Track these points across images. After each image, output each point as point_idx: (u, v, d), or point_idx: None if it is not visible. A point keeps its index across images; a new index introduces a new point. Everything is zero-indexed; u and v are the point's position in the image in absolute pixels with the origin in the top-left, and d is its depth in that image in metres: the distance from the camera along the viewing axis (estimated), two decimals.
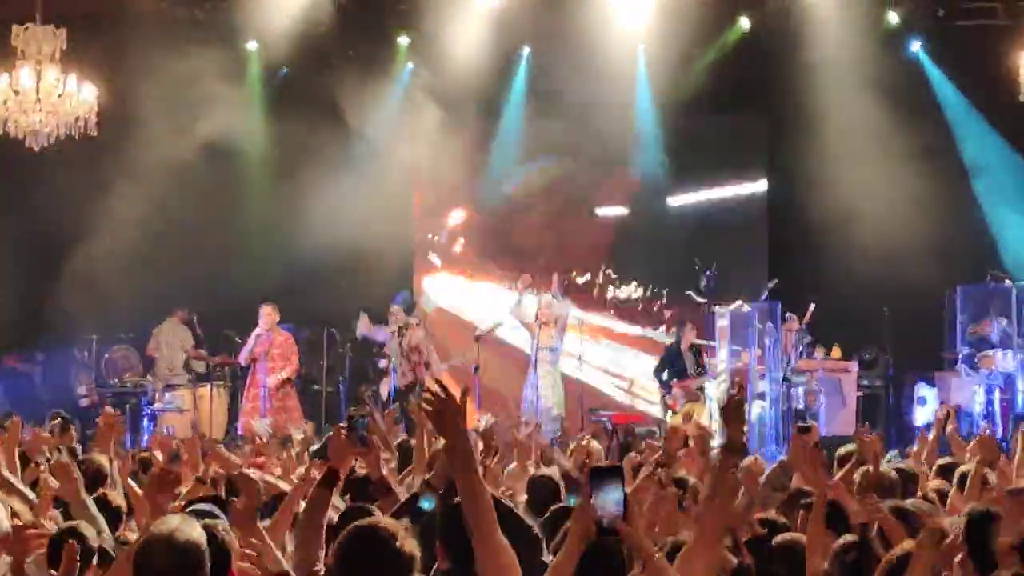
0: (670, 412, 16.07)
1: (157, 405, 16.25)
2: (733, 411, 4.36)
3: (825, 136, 17.00)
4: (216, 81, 16.63)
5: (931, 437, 9.61)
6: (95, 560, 5.17)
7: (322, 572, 4.88)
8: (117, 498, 7.00)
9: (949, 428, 9.95)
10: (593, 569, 3.82)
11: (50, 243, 17.11)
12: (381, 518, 4.03)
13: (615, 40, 17.11)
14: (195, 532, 3.93)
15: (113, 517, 6.63)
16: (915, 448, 9.69)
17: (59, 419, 15.36)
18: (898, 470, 7.61)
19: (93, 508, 6.25)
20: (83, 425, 15.45)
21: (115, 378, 17.09)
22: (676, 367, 16.28)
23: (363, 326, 16.51)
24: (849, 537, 5.53)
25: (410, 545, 3.73)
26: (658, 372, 16.54)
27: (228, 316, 16.81)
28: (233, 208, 17.16)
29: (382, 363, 16.54)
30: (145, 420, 16.27)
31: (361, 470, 6.69)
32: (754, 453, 12.00)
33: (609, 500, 3.65)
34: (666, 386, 16.29)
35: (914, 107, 17.06)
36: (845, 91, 16.98)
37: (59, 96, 13.67)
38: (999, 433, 14.58)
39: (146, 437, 15.74)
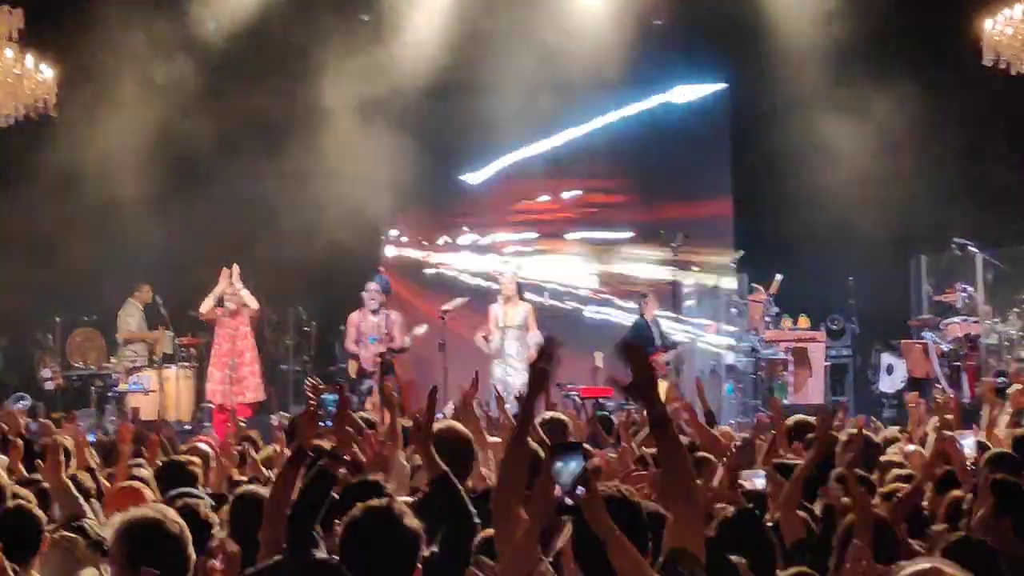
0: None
1: (122, 387, 16.13)
2: (639, 384, 3.83)
3: (789, 105, 16.94)
4: (175, 59, 16.49)
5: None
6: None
7: None
8: (88, 480, 7.05)
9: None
10: None
11: (11, 224, 16.94)
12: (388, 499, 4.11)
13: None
14: (178, 519, 4.08)
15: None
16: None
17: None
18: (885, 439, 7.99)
19: (73, 490, 6.28)
20: (48, 408, 15.39)
21: (80, 360, 16.95)
22: (644, 339, 15.79)
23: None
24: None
25: (415, 523, 3.87)
26: None
27: (191, 296, 16.66)
28: (194, 185, 16.99)
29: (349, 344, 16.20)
30: (113, 402, 16.16)
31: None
32: (724, 425, 12.03)
33: (570, 476, 3.61)
34: None
35: (880, 70, 16.94)
36: (807, 57, 16.91)
37: (17, 76, 13.51)
38: (965, 399, 14.68)
39: (112, 419, 15.66)
